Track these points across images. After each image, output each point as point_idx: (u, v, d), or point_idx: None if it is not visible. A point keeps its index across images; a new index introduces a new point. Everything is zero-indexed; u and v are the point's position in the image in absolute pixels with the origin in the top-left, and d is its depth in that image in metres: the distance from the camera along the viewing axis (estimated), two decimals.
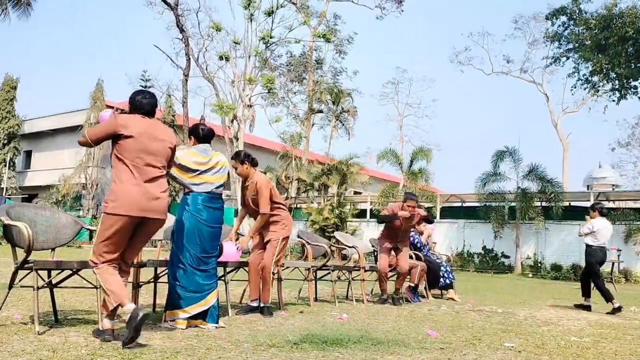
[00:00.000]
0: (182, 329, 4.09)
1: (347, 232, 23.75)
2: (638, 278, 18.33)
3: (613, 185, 28.77)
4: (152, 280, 4.85)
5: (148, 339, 3.65)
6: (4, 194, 33.38)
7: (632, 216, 19.28)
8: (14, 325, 3.87)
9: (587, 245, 8.08)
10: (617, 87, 21.17)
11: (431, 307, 7.00)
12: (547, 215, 20.84)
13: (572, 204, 24.01)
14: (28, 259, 3.68)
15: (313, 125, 33.34)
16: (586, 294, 8.12)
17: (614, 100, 21.49)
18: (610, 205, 25.10)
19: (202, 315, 4.20)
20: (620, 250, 18.67)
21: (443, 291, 8.55)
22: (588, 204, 22.49)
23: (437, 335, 4.41)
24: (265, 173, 29.09)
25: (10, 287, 3.87)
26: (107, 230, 3.48)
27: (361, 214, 25.68)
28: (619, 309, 7.38)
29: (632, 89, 21.02)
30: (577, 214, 21.61)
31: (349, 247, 7.08)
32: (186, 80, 29.60)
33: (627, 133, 46.96)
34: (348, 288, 7.32)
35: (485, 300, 8.52)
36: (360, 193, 28.83)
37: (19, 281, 3.89)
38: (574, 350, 4.08)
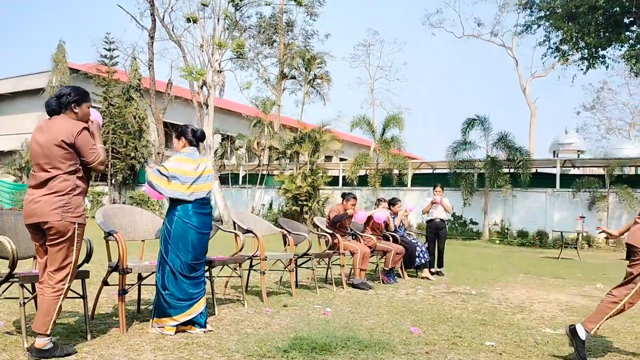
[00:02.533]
0: (170, 335, 4.10)
1: (320, 200, 23.90)
2: (600, 244, 19.10)
3: (578, 151, 29.48)
4: (137, 283, 4.81)
5: (139, 351, 3.67)
6: None
7: (597, 184, 19.90)
8: (13, 338, 3.82)
9: None
10: (586, 56, 21.46)
11: (408, 291, 7.18)
12: (515, 182, 21.35)
13: (539, 170, 24.59)
14: (12, 273, 3.60)
15: (284, 90, 32.97)
16: None
17: (582, 69, 21.81)
18: (576, 172, 25.83)
19: (190, 321, 4.21)
20: (584, 217, 19.35)
21: (418, 270, 8.77)
22: (554, 171, 23.15)
23: (419, 333, 4.54)
24: (235, 141, 28.60)
25: None
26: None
27: (334, 181, 25.78)
28: None
29: (600, 58, 21.35)
30: (543, 181, 22.23)
31: (329, 234, 7.15)
32: (152, 42, 28.70)
33: (592, 97, 48.03)
34: (327, 272, 7.45)
35: (458, 278, 8.77)
36: (331, 158, 28.82)
37: (2, 292, 3.82)
38: (550, 348, 4.26)
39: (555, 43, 21.95)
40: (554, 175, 22.34)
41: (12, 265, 3.56)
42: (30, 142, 3.56)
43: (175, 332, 4.15)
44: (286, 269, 6.46)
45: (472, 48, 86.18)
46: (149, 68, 31.72)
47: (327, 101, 28.05)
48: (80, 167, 3.52)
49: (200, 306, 4.24)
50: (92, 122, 3.66)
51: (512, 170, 21.85)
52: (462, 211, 22.33)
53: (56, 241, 3.42)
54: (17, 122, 33.87)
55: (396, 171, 23.85)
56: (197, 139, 4.43)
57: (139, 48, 62.55)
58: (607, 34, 20.43)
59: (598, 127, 51.26)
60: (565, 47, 21.71)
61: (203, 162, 4.36)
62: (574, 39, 20.88)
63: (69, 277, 3.51)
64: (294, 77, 28.44)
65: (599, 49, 20.93)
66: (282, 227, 6.60)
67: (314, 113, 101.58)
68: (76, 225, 3.47)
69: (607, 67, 21.54)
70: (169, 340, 3.97)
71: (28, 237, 3.93)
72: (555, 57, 22.59)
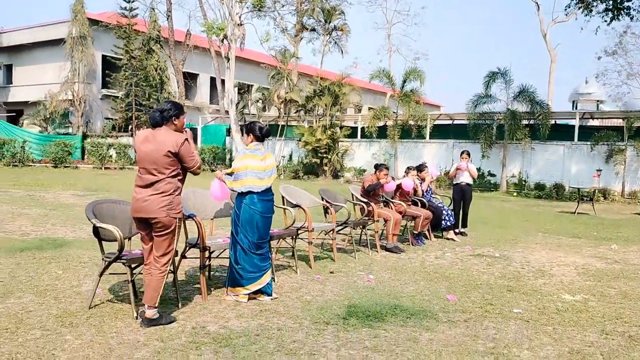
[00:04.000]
0: (244, 302, 4.85)
1: (339, 153, 24.43)
2: (615, 196, 19.58)
3: (598, 101, 29.48)
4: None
5: (225, 318, 4.40)
6: None
7: (615, 137, 20.15)
8: (109, 307, 4.56)
9: None
10: (610, 7, 21.19)
11: (437, 254, 7.87)
12: (534, 135, 21.66)
13: (557, 122, 24.77)
14: (120, 255, 4.31)
15: (301, 39, 32.89)
16: None
17: (605, 21, 21.58)
18: (595, 123, 25.95)
19: (259, 290, 4.94)
20: (601, 170, 19.76)
21: (443, 232, 9.43)
22: (573, 122, 23.36)
23: (455, 300, 5.23)
24: (254, 91, 28.83)
25: (101, 275, 4.53)
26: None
27: (352, 133, 26.24)
28: None
29: (625, 10, 21.08)
30: (561, 134, 22.49)
31: (364, 202, 7.78)
32: None
33: (614, 42, 46.99)
34: (360, 238, 8.19)
35: (481, 239, 9.43)
36: (345, 110, 29.15)
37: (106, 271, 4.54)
38: (570, 314, 4.93)
39: None
40: (573, 127, 22.58)
41: (120, 249, 4.26)
42: (136, 148, 4.19)
43: (248, 300, 4.89)
44: (327, 236, 7.15)
45: None
46: (167, 19, 31.80)
47: (345, 53, 28.04)
48: (181, 171, 4.16)
49: (267, 277, 4.97)
50: (187, 131, 4.26)
51: (531, 122, 22.11)
52: (480, 163, 22.75)
53: (162, 232, 4.11)
54: (37, 72, 34.33)
55: (416, 122, 24.17)
56: (263, 135, 5.02)
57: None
58: None
59: (619, 72, 50.41)
60: None
61: (268, 157, 4.96)
62: None
63: (171, 260, 4.23)
64: (313, 29, 28.38)
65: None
66: (323, 199, 7.25)
67: (330, 62, 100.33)
68: (177, 220, 4.15)
69: (631, 18, 21.28)
70: (245, 308, 4.71)
71: (122, 223, 4.63)
72: (579, 9, 22.29)
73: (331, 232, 6.99)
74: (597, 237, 10.24)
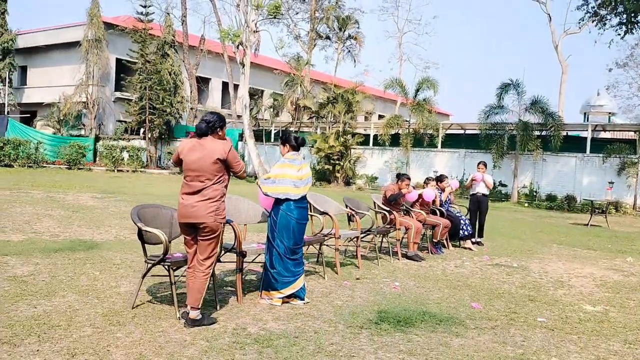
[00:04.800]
0: (278, 305, 5.04)
1: (351, 160, 24.61)
2: (627, 209, 19.65)
3: (609, 113, 29.55)
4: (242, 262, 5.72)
5: (263, 320, 4.59)
6: (5, 112, 33.46)
7: (627, 150, 20.26)
8: (150, 307, 4.76)
9: None
10: (624, 21, 21.36)
11: (456, 263, 8.04)
12: (545, 146, 21.80)
13: (569, 133, 24.88)
14: (164, 257, 4.51)
15: (314, 46, 33.19)
16: None
17: (619, 34, 21.76)
18: (606, 135, 26.04)
19: (293, 294, 5.13)
20: (613, 183, 19.83)
21: (461, 241, 9.60)
22: (585, 134, 23.46)
23: (480, 308, 5.40)
24: (267, 97, 29.02)
25: (144, 277, 4.73)
26: None
27: (365, 141, 26.43)
28: None
29: (638, 24, 21.24)
30: (573, 145, 22.60)
31: (387, 211, 7.97)
32: None
33: (626, 54, 47.01)
34: (381, 245, 8.37)
35: (497, 249, 9.58)
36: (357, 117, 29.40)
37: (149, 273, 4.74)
38: (593, 324, 5.08)
39: (594, 7, 21.83)
40: (584, 139, 22.70)
41: (165, 252, 4.47)
42: (183, 157, 4.39)
43: (282, 304, 5.07)
44: (351, 243, 7.34)
45: (504, 2, 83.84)
46: (182, 23, 32.22)
47: (357, 62, 28.33)
48: (226, 177, 4.37)
49: (301, 282, 5.17)
50: (228, 139, 4.47)
51: (543, 133, 22.25)
52: (492, 173, 22.79)
53: (208, 237, 4.32)
54: (52, 74, 34.79)
55: (428, 131, 24.35)
56: (298, 144, 5.23)
57: (172, 3, 62.81)
58: None
59: (630, 84, 50.46)
60: (603, 12, 21.61)
61: (305, 167, 5.17)
62: (613, 3, 20.79)
63: (214, 263, 4.43)
64: (328, 37, 28.67)
65: (638, 13, 20.81)
66: (347, 207, 7.45)
67: (342, 69, 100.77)
68: (222, 225, 4.35)
69: None
70: (280, 311, 4.90)
71: (162, 225, 4.83)
72: (593, 22, 22.47)
73: (355, 239, 7.17)
74: (611, 250, 10.37)
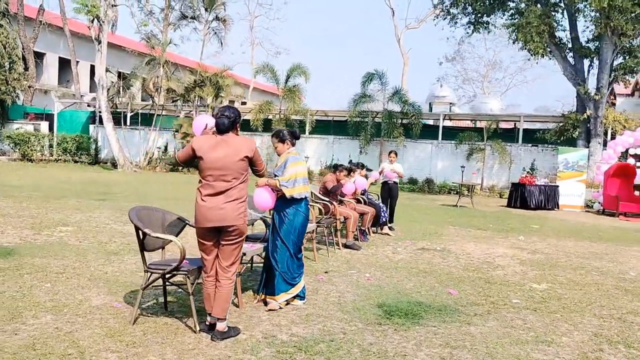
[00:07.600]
0: (282, 308, 4.83)
1: None
2: (477, 191, 22.03)
3: (450, 103, 32.67)
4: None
5: (279, 325, 4.36)
6: None
7: (476, 138, 22.68)
8: (151, 321, 4.23)
9: None
10: (472, 21, 23.72)
11: (386, 249, 8.38)
12: (407, 133, 23.47)
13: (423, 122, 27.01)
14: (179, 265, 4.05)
15: (169, 25, 31.45)
16: None
17: (467, 33, 24.13)
18: (448, 123, 28.79)
19: (296, 295, 4.97)
20: (464, 167, 22.06)
21: (378, 228, 10.00)
22: (431, 122, 25.71)
23: (457, 294, 5.73)
24: (129, 79, 26.94)
25: (144, 289, 4.20)
26: None
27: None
28: None
29: (484, 24, 23.76)
30: (428, 133, 24.65)
31: (327, 201, 7.99)
32: None
33: (454, 49, 52.33)
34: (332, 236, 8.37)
35: (407, 232, 10.16)
36: (233, 102, 28.71)
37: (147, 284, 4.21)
38: (556, 303, 5.69)
39: (447, 6, 23.88)
40: (436, 127, 24.89)
41: (181, 260, 4.01)
42: (203, 154, 3.93)
43: (286, 304, 4.89)
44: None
45: None
46: None
47: (224, 46, 27.58)
48: (248, 177, 4.05)
49: (302, 283, 5.01)
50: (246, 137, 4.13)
51: (404, 122, 23.90)
52: (358, 158, 24.04)
53: (236, 240, 3.97)
54: None
55: (298, 117, 24.67)
56: (296, 139, 5.01)
57: None
58: (492, 2, 22.74)
59: (456, 77, 56.46)
60: (455, 11, 23.75)
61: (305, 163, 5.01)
62: (463, 3, 22.95)
63: (237, 268, 4.10)
64: (194, 18, 27.35)
65: (484, 15, 23.27)
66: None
67: (197, 49, 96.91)
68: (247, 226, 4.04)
69: (489, 32, 24.07)
70: (288, 314, 4.71)
71: (158, 230, 4.34)
72: (444, 19, 24.55)
73: (312, 232, 7.09)
74: (496, 229, 11.58)
